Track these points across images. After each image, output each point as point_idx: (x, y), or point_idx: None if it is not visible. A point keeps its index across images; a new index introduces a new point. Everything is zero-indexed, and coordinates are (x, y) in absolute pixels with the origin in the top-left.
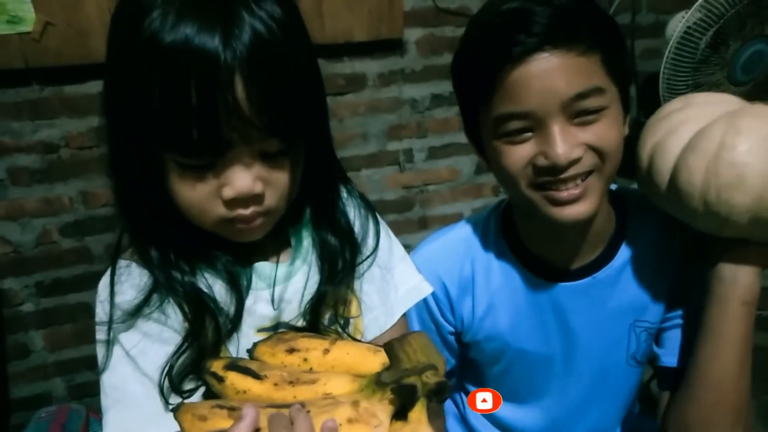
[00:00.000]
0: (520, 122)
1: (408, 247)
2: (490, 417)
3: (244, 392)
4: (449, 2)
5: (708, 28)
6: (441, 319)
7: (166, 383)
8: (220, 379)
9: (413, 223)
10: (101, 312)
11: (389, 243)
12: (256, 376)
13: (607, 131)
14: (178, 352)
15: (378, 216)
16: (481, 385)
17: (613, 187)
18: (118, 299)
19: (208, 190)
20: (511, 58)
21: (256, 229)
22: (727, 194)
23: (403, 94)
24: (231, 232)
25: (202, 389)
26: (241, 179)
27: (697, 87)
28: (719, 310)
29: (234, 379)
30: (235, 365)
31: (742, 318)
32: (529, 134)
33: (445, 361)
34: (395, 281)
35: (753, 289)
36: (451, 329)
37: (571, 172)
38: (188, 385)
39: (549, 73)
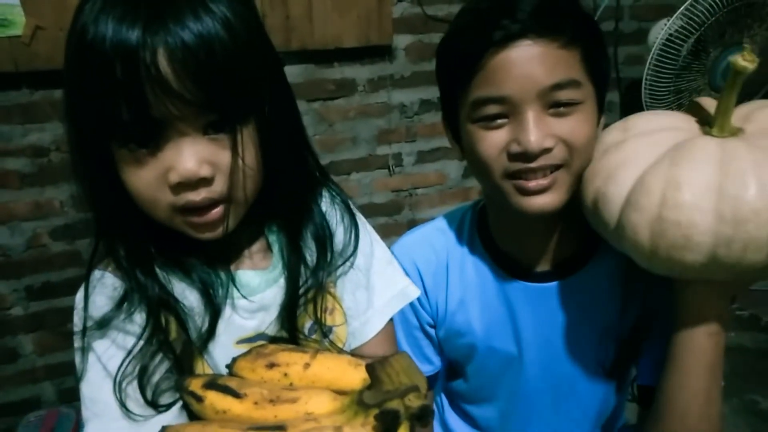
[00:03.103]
0: (496, 107)
1: None
2: (467, 418)
3: (224, 412)
4: (437, 9)
5: (689, 36)
6: (419, 308)
7: (132, 394)
8: (199, 399)
9: (402, 226)
10: (78, 322)
11: (372, 248)
12: (236, 395)
13: (579, 126)
14: (141, 355)
15: (362, 221)
16: (459, 384)
17: None
18: (91, 310)
19: (154, 175)
20: (494, 42)
21: (216, 223)
22: (678, 254)
23: (392, 99)
24: (190, 227)
25: (179, 403)
26: (184, 161)
27: (679, 93)
28: (684, 339)
29: (213, 398)
30: (214, 384)
31: (709, 349)
32: (504, 120)
33: (426, 381)
34: (381, 286)
35: (719, 322)
36: (430, 321)
37: (542, 162)
38: (164, 400)
39: (529, 61)
